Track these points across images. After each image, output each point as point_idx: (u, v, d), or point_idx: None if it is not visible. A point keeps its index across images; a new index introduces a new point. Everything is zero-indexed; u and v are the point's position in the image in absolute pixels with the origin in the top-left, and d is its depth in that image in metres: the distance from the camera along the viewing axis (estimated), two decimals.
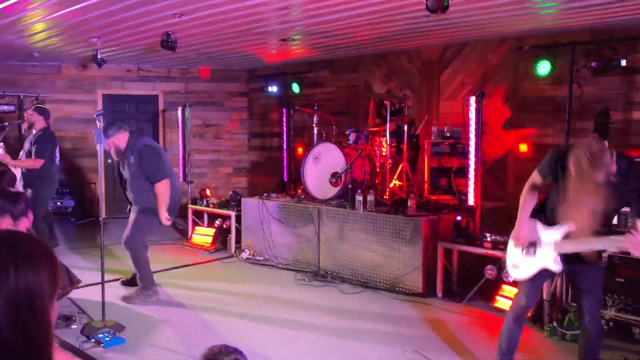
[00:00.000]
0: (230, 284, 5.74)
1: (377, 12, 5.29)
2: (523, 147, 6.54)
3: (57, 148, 6.41)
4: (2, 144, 6.06)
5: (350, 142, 6.55)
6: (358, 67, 8.28)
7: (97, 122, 4.19)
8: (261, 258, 6.75)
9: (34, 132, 6.29)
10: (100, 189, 4.49)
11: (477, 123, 5.58)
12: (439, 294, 5.32)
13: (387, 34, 6.36)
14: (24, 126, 6.66)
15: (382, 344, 4.18)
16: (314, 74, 8.79)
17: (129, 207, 5.30)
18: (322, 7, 5.11)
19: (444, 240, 5.38)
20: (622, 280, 4.19)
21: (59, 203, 8.94)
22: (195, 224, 7.89)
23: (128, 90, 9.60)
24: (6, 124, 7.00)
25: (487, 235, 5.07)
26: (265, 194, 7.00)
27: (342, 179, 6.13)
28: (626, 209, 3.27)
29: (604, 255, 3.68)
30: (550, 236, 3.15)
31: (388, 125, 6.25)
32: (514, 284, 4.85)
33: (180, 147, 8.46)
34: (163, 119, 9.71)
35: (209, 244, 7.40)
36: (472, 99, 5.62)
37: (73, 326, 4.39)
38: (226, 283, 5.84)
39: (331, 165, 6.29)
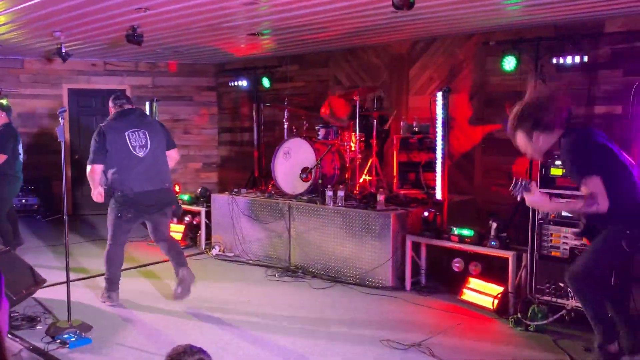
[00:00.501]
0: (200, 281, 5.69)
1: (345, 8, 5.29)
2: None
3: (20, 144, 6.26)
4: None
5: (320, 137, 6.55)
6: (327, 62, 8.28)
7: (59, 119, 4.10)
8: (232, 254, 6.72)
9: None
10: (64, 185, 4.38)
11: (444, 118, 5.65)
12: (408, 288, 5.38)
13: (355, 29, 6.37)
14: None
15: (351, 338, 4.22)
16: (283, 69, 8.75)
17: None
18: (289, 3, 5.09)
19: (412, 234, 5.44)
20: None
21: (24, 200, 8.79)
22: None
23: (94, 84, 9.41)
24: None
25: (454, 228, 5.14)
26: (236, 190, 6.95)
27: (313, 174, 6.14)
28: None
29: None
30: None
31: (357, 121, 6.28)
32: (481, 277, 4.96)
33: None
34: None
35: (179, 241, 7.29)
36: (439, 95, 5.68)
37: (38, 327, 4.30)
38: (196, 280, 5.78)
39: (301, 161, 6.30)
